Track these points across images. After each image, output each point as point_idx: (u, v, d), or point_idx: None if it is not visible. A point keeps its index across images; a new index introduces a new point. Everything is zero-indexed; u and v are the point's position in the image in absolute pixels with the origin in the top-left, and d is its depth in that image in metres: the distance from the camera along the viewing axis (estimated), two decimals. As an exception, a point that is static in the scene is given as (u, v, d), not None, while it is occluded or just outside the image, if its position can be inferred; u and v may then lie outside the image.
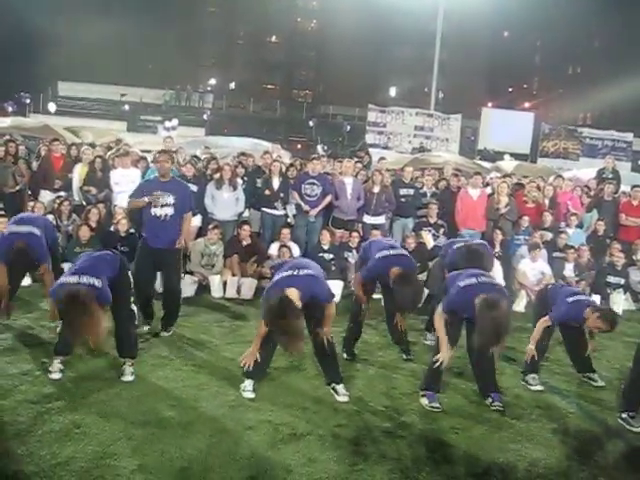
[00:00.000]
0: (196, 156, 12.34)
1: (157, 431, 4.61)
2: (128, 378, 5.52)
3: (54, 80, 38.51)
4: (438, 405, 5.41)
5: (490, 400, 5.55)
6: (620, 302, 9.76)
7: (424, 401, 5.46)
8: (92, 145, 12.58)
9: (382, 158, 13.72)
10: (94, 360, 5.87)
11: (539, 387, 6.07)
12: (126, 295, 5.75)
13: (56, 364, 5.47)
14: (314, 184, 10.15)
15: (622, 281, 10.08)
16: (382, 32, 47.24)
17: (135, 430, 4.59)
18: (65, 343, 5.53)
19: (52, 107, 33.15)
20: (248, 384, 5.38)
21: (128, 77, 39.94)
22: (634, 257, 10.40)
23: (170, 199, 6.76)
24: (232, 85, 55.48)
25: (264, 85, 57.03)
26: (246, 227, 9.41)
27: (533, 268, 9.40)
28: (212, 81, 54.19)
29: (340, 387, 5.53)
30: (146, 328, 6.91)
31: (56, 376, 5.38)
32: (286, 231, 9.71)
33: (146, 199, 6.71)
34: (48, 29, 38.37)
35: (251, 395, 5.31)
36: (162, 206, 6.72)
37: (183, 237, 6.91)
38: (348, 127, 37.75)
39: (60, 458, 4.13)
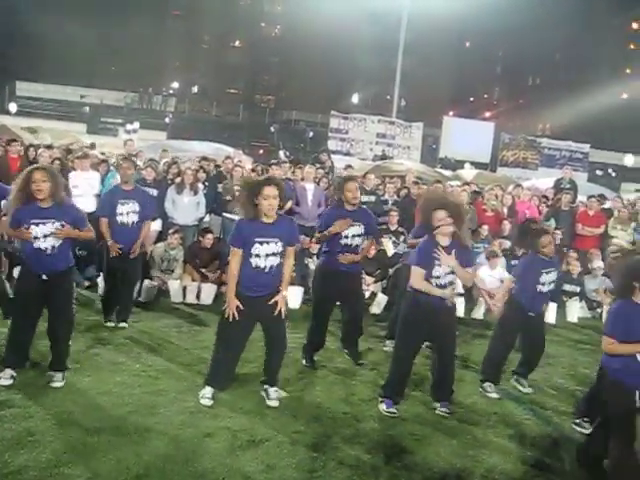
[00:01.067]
0: (153, 159, 12.20)
1: (113, 438, 4.53)
2: (59, 384, 5.36)
3: (12, 80, 37.73)
4: (395, 411, 5.43)
5: (438, 405, 5.60)
6: (576, 310, 9.96)
7: (382, 407, 5.48)
8: (50, 147, 12.37)
9: (349, 166, 13.80)
10: (48, 366, 5.75)
11: (495, 394, 6.14)
12: (70, 304, 5.53)
13: (7, 371, 5.31)
14: (275, 189, 10.11)
15: (578, 289, 10.27)
16: (345, 39, 47.38)
17: (90, 437, 4.51)
18: (14, 353, 5.39)
19: (13, 107, 32.49)
20: (207, 392, 5.30)
21: (89, 78, 39.37)
22: (589, 266, 10.60)
23: (136, 207, 7.17)
24: (195, 89, 55.14)
25: (227, 89, 56.72)
26: (209, 235, 9.29)
27: (491, 275, 9.51)
28: (175, 84, 53.81)
29: (272, 390, 5.46)
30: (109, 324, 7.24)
31: (6, 382, 5.23)
32: (247, 236, 9.63)
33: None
34: (6, 28, 37.62)
35: (209, 403, 5.23)
36: (128, 213, 7.13)
37: (139, 243, 7.27)
38: (311, 133, 37.76)
39: (12, 467, 4.04)
